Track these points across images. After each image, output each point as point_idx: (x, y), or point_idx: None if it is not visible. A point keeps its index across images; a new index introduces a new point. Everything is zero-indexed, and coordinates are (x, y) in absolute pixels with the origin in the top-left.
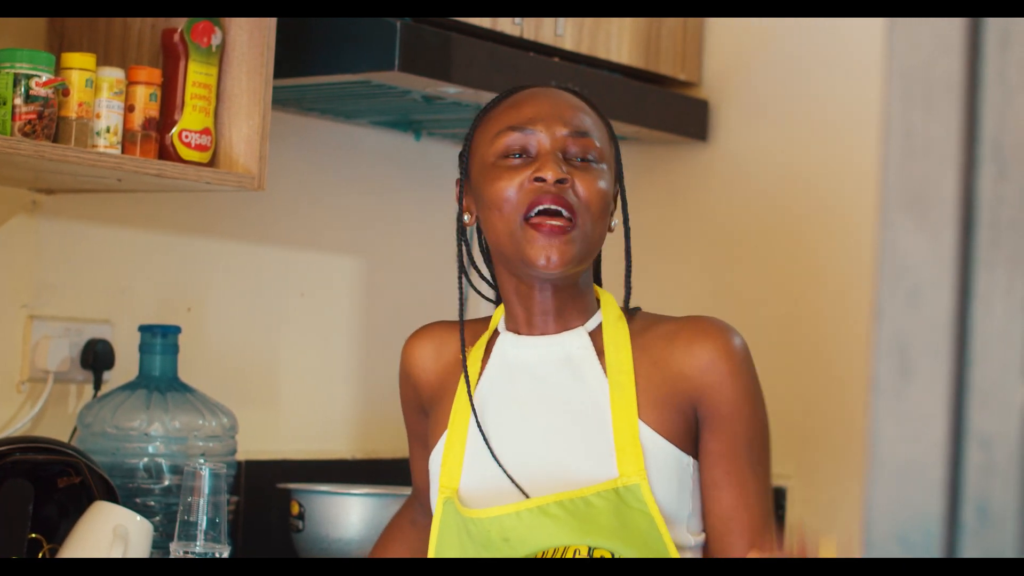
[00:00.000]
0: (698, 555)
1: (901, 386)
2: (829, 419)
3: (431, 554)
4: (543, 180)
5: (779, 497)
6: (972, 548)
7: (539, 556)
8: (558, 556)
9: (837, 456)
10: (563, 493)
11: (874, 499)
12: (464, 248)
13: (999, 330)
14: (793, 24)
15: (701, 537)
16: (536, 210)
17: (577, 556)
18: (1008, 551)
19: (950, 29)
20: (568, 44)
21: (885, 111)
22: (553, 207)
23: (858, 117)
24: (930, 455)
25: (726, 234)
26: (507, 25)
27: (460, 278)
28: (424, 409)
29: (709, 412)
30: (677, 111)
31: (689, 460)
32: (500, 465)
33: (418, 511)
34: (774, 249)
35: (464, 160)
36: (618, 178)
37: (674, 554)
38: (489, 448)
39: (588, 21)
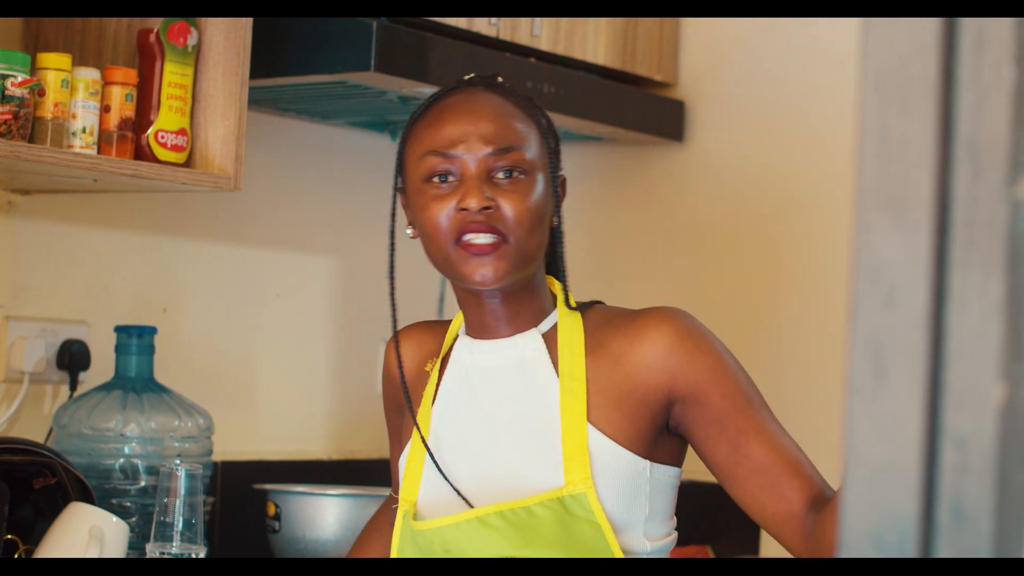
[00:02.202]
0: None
1: (876, 386)
2: (804, 419)
3: None
4: (467, 209)
5: None
6: (947, 548)
7: None
8: None
9: (812, 456)
10: (504, 504)
11: (849, 499)
12: (394, 258)
13: (974, 330)
14: (769, 25)
15: (661, 542)
16: (464, 237)
17: None
18: (982, 551)
19: (925, 29)
20: (544, 45)
21: (860, 112)
22: (480, 236)
23: (834, 118)
24: (905, 455)
25: (702, 234)
26: (483, 26)
27: (391, 289)
28: (400, 408)
29: (690, 388)
30: (653, 112)
31: (645, 464)
32: (445, 477)
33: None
34: (750, 249)
35: (399, 171)
36: (554, 177)
37: None
38: (435, 462)
39: (564, 22)
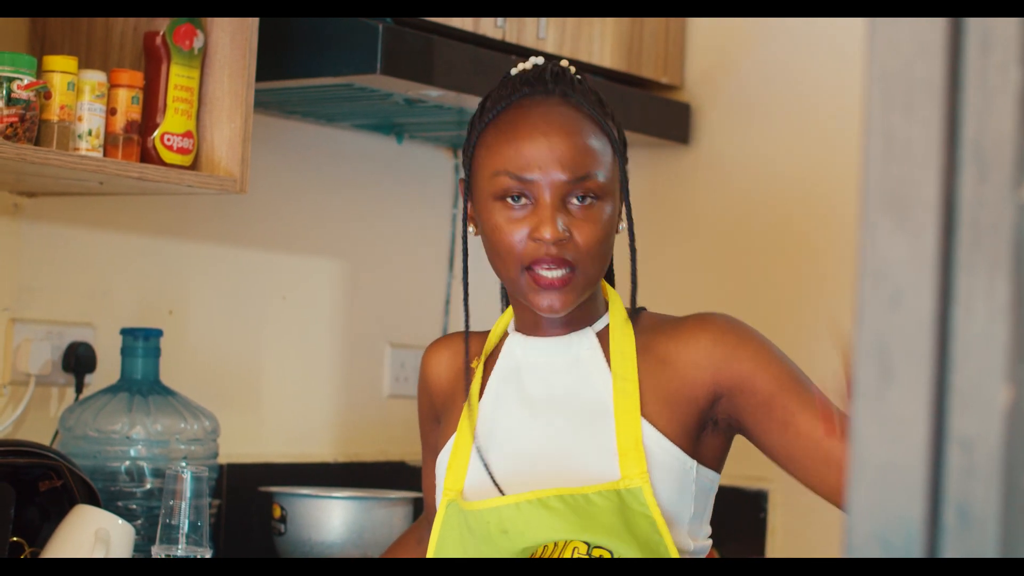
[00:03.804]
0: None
1: (882, 388)
2: None
3: (430, 555)
4: (541, 240)
5: (760, 500)
6: (953, 550)
7: (538, 551)
8: (556, 553)
9: None
10: (565, 488)
11: (855, 501)
12: (466, 256)
13: (980, 332)
14: (775, 27)
15: (703, 543)
16: (535, 268)
17: (576, 554)
18: (989, 553)
19: (930, 30)
20: (550, 47)
21: (865, 113)
22: (551, 271)
23: (840, 119)
24: (911, 457)
25: (708, 237)
26: (489, 27)
27: (465, 280)
28: (438, 417)
29: (734, 378)
30: (659, 114)
31: (693, 464)
32: (490, 474)
33: (426, 530)
34: (756, 252)
35: (467, 168)
36: (623, 183)
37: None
38: (482, 459)
39: (570, 24)
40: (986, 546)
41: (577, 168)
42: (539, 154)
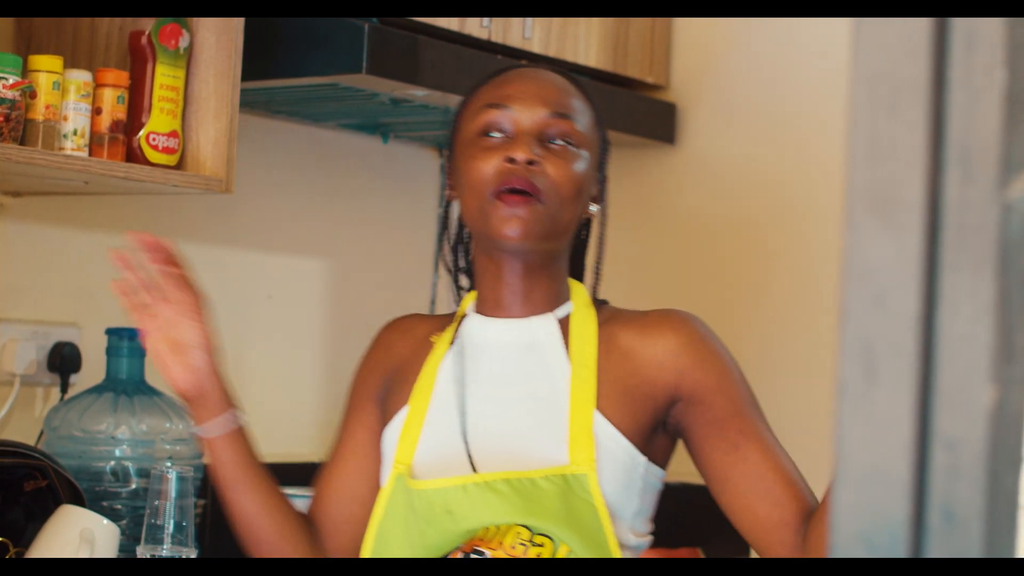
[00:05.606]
0: (637, 556)
1: (867, 388)
2: (795, 421)
3: (374, 529)
4: (514, 161)
5: None
6: (937, 550)
7: (480, 533)
8: (499, 537)
9: (803, 458)
10: (511, 472)
11: (840, 501)
12: (446, 226)
13: (964, 333)
14: (761, 27)
15: (643, 539)
16: (504, 188)
17: (518, 539)
18: (973, 554)
19: (916, 31)
20: (536, 47)
21: (851, 113)
22: (520, 188)
23: (826, 120)
24: (896, 457)
25: (694, 237)
26: (475, 27)
27: (439, 253)
28: (381, 396)
29: (696, 388)
30: (645, 114)
31: (642, 459)
32: (464, 435)
33: (303, 534)
34: (742, 252)
35: (450, 136)
36: (601, 166)
37: (615, 549)
38: (462, 420)
39: (556, 24)
40: (970, 546)
41: (558, 106)
42: (523, 89)
